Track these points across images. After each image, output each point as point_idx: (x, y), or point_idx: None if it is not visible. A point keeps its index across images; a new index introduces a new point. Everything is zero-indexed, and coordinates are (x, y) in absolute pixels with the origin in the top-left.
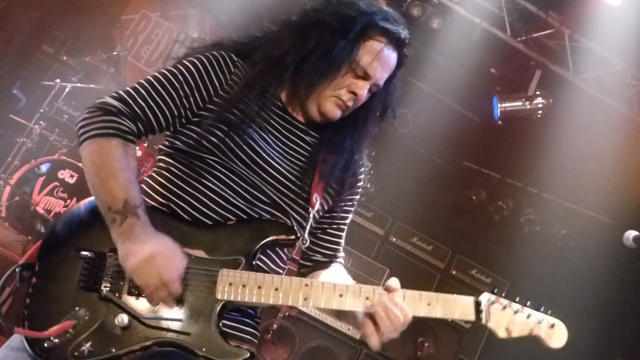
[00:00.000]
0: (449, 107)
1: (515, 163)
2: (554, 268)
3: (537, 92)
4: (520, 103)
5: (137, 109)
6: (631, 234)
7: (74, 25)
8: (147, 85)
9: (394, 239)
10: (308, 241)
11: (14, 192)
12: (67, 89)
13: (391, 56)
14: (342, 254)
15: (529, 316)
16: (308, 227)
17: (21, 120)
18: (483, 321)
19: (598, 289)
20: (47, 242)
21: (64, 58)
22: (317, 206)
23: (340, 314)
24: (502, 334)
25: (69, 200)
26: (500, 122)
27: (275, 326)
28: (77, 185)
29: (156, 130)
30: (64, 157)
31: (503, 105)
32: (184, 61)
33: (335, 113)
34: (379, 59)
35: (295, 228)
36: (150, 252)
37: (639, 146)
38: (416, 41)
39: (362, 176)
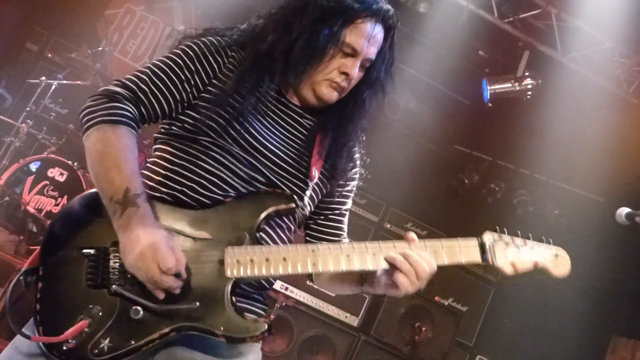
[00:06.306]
0: (439, 91)
1: (507, 145)
2: None
3: (526, 73)
4: (510, 84)
5: (140, 94)
6: (623, 210)
7: (58, 22)
8: (148, 71)
9: (389, 225)
10: (308, 207)
11: (3, 192)
12: (53, 87)
13: (376, 30)
14: (346, 239)
15: (532, 249)
16: (308, 194)
17: (8, 119)
18: (489, 261)
19: (592, 267)
20: (47, 243)
21: (49, 55)
22: (315, 179)
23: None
24: (509, 270)
25: (59, 199)
26: (490, 105)
27: (272, 317)
28: (67, 183)
29: (159, 116)
30: (53, 155)
31: (492, 87)
32: (181, 46)
33: (332, 95)
34: (364, 35)
35: (294, 196)
36: (142, 247)
37: (628, 123)
38: (403, 26)
39: (358, 161)
